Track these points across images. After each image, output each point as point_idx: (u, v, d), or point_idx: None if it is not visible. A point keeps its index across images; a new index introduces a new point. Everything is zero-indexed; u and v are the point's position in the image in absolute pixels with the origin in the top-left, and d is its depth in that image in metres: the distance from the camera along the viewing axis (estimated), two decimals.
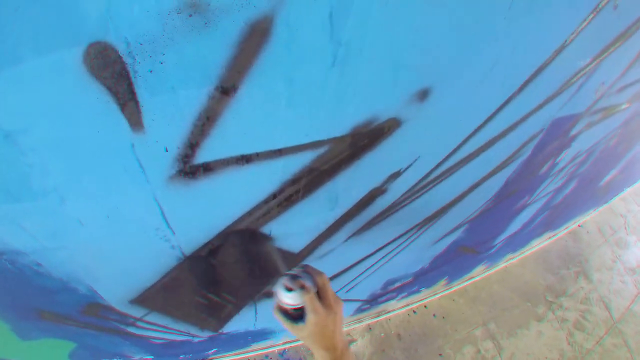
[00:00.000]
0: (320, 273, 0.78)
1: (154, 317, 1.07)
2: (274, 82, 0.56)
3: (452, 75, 0.77)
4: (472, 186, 1.27)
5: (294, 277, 0.75)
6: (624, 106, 1.62)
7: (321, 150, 0.75)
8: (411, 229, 1.34)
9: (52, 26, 0.38)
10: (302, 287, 0.73)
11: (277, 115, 0.61)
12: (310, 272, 0.77)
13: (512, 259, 2.73)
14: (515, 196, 1.63)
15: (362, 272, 1.50)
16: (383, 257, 1.45)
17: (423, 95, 0.77)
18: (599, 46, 1.04)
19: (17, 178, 0.52)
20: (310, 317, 0.73)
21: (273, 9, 0.46)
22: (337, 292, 1.52)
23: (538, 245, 2.87)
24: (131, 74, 0.45)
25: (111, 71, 0.44)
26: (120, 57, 0.43)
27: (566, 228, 3.01)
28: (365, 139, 0.80)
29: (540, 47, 0.87)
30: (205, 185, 0.66)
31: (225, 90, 0.53)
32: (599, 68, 1.12)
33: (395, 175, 0.98)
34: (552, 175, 1.70)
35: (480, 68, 0.80)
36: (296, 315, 0.76)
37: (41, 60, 0.40)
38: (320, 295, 0.75)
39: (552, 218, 2.45)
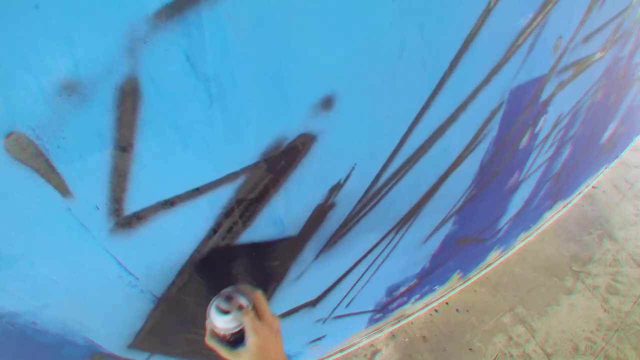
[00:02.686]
0: (253, 290, 0.75)
1: (158, 359, 1.07)
2: (162, 132, 0.57)
3: (351, 75, 0.69)
4: (441, 178, 1.15)
5: (228, 298, 0.71)
6: (597, 56, 1.47)
7: (240, 181, 0.73)
8: (387, 234, 1.24)
9: None
10: (239, 308, 0.70)
11: (179, 159, 0.62)
12: (243, 290, 0.74)
13: (528, 237, 2.57)
14: (501, 176, 1.49)
15: (354, 285, 1.41)
16: (369, 266, 1.36)
17: (327, 104, 0.70)
18: None
19: None
20: (251, 339, 0.69)
21: (133, 69, 0.49)
22: (334, 308, 1.47)
23: (553, 217, 2.70)
24: (44, 152, 0.51)
25: (28, 153, 0.50)
26: (31, 141, 0.49)
27: (579, 193, 2.83)
28: (281, 160, 0.74)
29: (457, 17, 0.77)
30: (144, 231, 0.68)
31: (123, 148, 0.56)
32: (547, 22, 1.00)
33: (337, 187, 0.89)
34: (538, 146, 1.56)
35: (384, 59, 0.71)
36: (233, 340, 0.72)
37: None
38: (257, 313, 0.72)
39: (558, 187, 2.28)
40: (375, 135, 0.84)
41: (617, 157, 3.11)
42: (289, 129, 0.70)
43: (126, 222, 0.66)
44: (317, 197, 0.88)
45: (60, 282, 0.69)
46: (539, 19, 0.97)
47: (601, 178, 3.10)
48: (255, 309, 0.72)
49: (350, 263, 1.25)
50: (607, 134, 2.39)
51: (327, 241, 1.05)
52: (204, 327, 0.80)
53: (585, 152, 2.24)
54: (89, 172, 0.56)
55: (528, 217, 2.28)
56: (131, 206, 0.64)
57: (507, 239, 2.27)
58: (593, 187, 3.04)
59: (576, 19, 1.16)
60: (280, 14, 0.55)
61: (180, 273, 0.82)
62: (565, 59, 1.26)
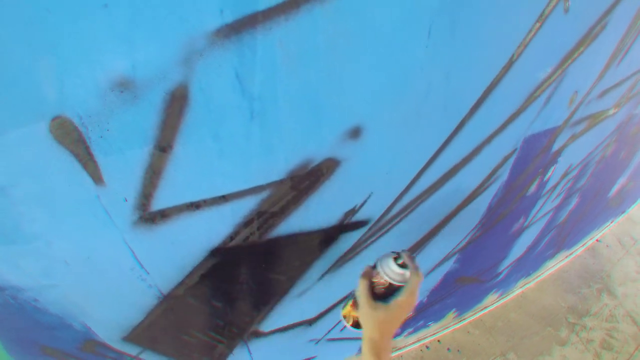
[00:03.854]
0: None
1: (149, 356, 1.08)
2: (202, 139, 0.63)
3: (379, 110, 0.77)
4: (449, 215, 1.20)
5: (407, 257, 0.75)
6: (611, 111, 1.54)
7: (264, 195, 0.79)
8: None
9: (24, 105, 0.50)
10: (415, 268, 0.74)
11: (213, 166, 0.68)
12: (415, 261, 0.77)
13: (527, 284, 2.60)
14: (507, 220, 1.54)
15: None
16: None
17: (355, 133, 0.77)
18: (559, 54, 1.00)
19: (12, 224, 0.62)
20: (403, 298, 0.73)
21: (186, 78, 0.55)
22: (329, 331, 1.50)
23: (554, 266, 2.74)
24: (86, 140, 0.56)
25: (71, 138, 0.55)
26: (76, 127, 0.54)
27: (583, 245, 2.87)
28: (305, 181, 0.80)
29: (481, 66, 0.84)
30: (165, 229, 0.73)
31: (162, 148, 0.62)
32: (565, 76, 1.07)
33: (351, 212, 0.95)
34: (545, 194, 1.62)
35: (411, 99, 0.78)
36: (380, 294, 0.76)
37: (19, 132, 0.52)
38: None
39: (561, 237, 2.33)
40: (394, 168, 0.90)
41: (623, 212, 3.16)
42: (317, 153, 0.76)
43: (150, 217, 0.71)
44: (331, 218, 0.93)
45: (72, 265, 0.73)
46: (557, 72, 1.04)
47: (606, 232, 3.14)
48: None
49: (351, 288, 1.29)
50: (615, 189, 2.44)
51: (333, 263, 1.09)
52: (201, 331, 0.83)
53: (592, 204, 2.30)
54: (125, 166, 0.62)
55: (529, 263, 2.31)
56: (158, 203, 0.70)
57: (506, 284, 2.30)
58: (597, 240, 3.08)
59: (593, 75, 1.23)
60: (325, 48, 0.62)
61: (191, 274, 0.86)
62: (579, 112, 1.33)
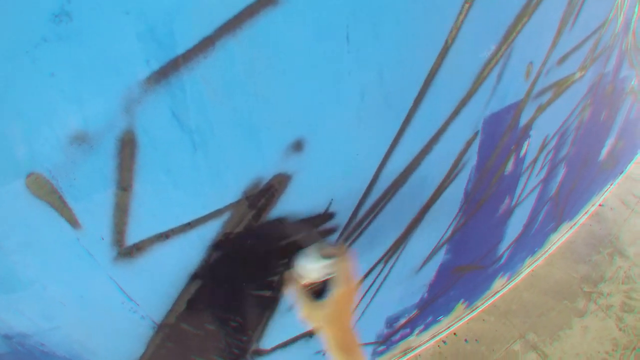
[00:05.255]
0: (342, 246, 0.80)
1: None
2: (156, 175, 0.70)
3: (316, 121, 0.81)
4: (424, 207, 1.22)
5: (323, 247, 0.76)
6: (577, 75, 1.55)
7: (225, 217, 0.84)
8: (375, 264, 1.31)
9: (3, 167, 0.58)
10: (341, 254, 0.74)
11: (171, 198, 0.75)
12: (337, 245, 0.80)
13: (535, 262, 2.60)
14: (491, 202, 1.56)
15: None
16: (362, 296, 1.41)
17: (297, 146, 0.82)
18: (500, 30, 1.02)
19: (9, 272, 0.68)
20: (342, 288, 0.73)
21: (130, 124, 0.63)
22: None
23: (560, 239, 2.74)
24: (58, 189, 0.63)
25: (45, 190, 0.62)
26: (48, 180, 0.62)
27: (586, 213, 2.86)
28: (261, 198, 0.85)
29: (414, 58, 0.88)
30: (143, 261, 0.79)
31: (124, 188, 0.68)
32: (513, 50, 1.08)
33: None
34: (526, 170, 1.62)
35: (347, 104, 0.83)
36: (317, 291, 0.77)
37: (3, 189, 0.59)
38: None
39: (559, 209, 2.34)
40: (348, 172, 0.94)
41: (621, 172, 3.17)
42: (265, 170, 0.81)
43: (127, 252, 0.77)
44: (299, 230, 0.96)
45: (68, 306, 0.78)
46: (503, 48, 1.06)
47: (607, 195, 3.14)
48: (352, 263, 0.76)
49: None
50: (605, 151, 2.45)
51: None
52: (202, 355, 0.85)
53: (584, 171, 2.31)
54: (95, 208, 0.68)
55: (531, 241, 2.32)
56: (131, 238, 0.76)
57: (511, 265, 2.31)
58: (600, 205, 3.08)
59: (546, 44, 1.26)
60: (247, 75, 0.68)
61: (177, 301, 0.90)
62: (540, 82, 1.35)
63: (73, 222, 0.68)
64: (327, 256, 0.75)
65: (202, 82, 0.65)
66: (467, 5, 0.89)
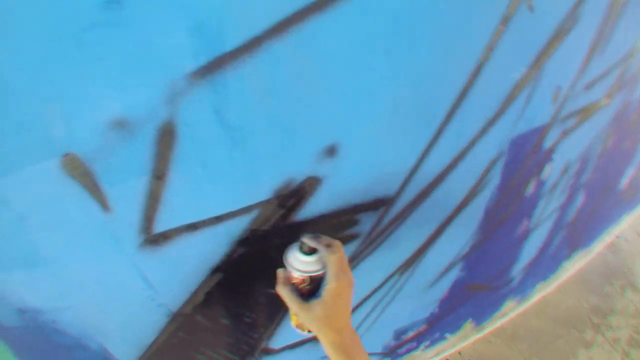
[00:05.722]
0: (336, 240, 0.76)
1: None
2: (192, 167, 0.73)
3: (350, 127, 0.84)
4: (444, 223, 1.24)
5: (313, 238, 0.73)
6: (604, 102, 1.57)
7: (254, 214, 0.87)
8: (392, 275, 1.34)
9: (38, 145, 0.60)
10: (328, 246, 0.71)
11: (204, 191, 0.77)
12: (325, 237, 0.75)
13: (546, 287, 2.60)
14: (509, 223, 1.58)
15: (360, 324, 1.49)
16: (374, 306, 1.44)
17: (331, 151, 0.85)
18: (532, 53, 1.04)
19: (30, 249, 0.69)
20: (331, 285, 0.70)
21: (172, 115, 0.65)
22: None
23: (573, 267, 2.72)
24: (92, 172, 0.65)
25: (79, 172, 0.64)
26: (83, 162, 0.63)
27: (601, 242, 2.86)
28: (290, 199, 0.88)
29: (448, 75, 0.91)
30: (168, 250, 0.81)
31: (159, 176, 0.71)
32: (543, 74, 1.11)
33: None
34: (546, 193, 1.64)
35: (381, 113, 0.86)
36: (307, 292, 0.74)
37: (34, 168, 0.61)
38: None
39: (575, 236, 2.34)
40: (377, 180, 0.97)
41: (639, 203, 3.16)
42: (298, 172, 0.85)
43: (154, 239, 0.79)
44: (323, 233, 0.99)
45: (86, 287, 0.79)
46: (533, 71, 1.09)
47: (625, 227, 3.13)
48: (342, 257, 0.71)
49: (355, 301, 1.34)
50: (625, 180, 2.45)
51: None
52: (212, 349, 0.90)
53: (603, 199, 2.31)
54: (127, 193, 0.71)
55: (544, 266, 2.33)
56: (160, 226, 0.78)
57: (522, 289, 2.31)
58: (617, 236, 3.07)
59: (574, 69, 1.28)
60: (289, 77, 0.71)
61: (196, 292, 0.93)
62: (567, 107, 1.37)
63: (104, 205, 0.70)
64: (311, 251, 0.72)
65: (246, 80, 0.68)
66: (501, 27, 0.92)
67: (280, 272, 0.77)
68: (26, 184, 0.63)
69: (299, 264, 0.73)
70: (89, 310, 0.85)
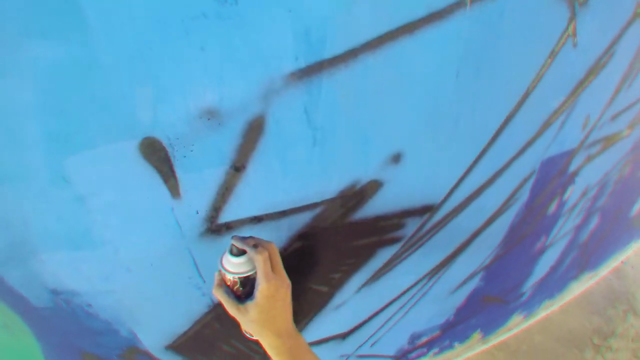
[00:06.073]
0: (268, 242, 0.73)
1: None
2: (271, 161, 0.78)
3: (417, 138, 0.92)
4: (474, 234, 1.33)
5: (242, 240, 0.71)
6: (625, 132, 1.67)
7: (317, 211, 0.93)
8: (421, 279, 1.41)
9: (118, 124, 0.62)
10: (254, 248, 0.69)
11: (277, 185, 0.82)
12: (257, 239, 0.73)
13: (551, 305, 2.68)
14: (529, 239, 1.67)
15: (383, 325, 1.56)
16: (400, 308, 1.51)
17: (396, 159, 0.93)
18: (571, 84, 1.14)
19: (82, 230, 0.71)
20: (262, 286, 0.66)
21: (263, 110, 0.70)
22: (360, 346, 1.58)
23: (579, 288, 2.81)
24: (171, 158, 0.68)
25: (157, 156, 0.66)
26: (163, 147, 0.66)
27: (607, 266, 2.94)
28: (352, 199, 0.95)
29: (501, 99, 1.00)
30: (228, 240, 0.80)
31: (237, 168, 0.75)
32: (578, 103, 1.21)
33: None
34: (565, 213, 1.74)
35: (444, 129, 0.94)
36: (241, 294, 0.71)
37: (109, 147, 0.63)
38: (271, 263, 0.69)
39: (585, 258, 2.43)
40: (428, 189, 1.06)
41: None
42: (364, 175, 0.92)
43: (217, 229, 0.83)
44: (373, 234, 1.08)
45: (134, 272, 0.82)
46: (570, 100, 1.19)
47: (631, 254, 3.21)
48: (270, 258, 0.69)
49: (385, 302, 1.42)
50: (636, 208, 2.55)
51: (370, 277, 1.23)
52: (240, 341, 0.95)
53: (614, 224, 2.40)
54: (202, 182, 0.75)
55: (553, 284, 2.41)
56: (226, 216, 0.82)
57: (530, 305, 2.40)
58: (622, 262, 3.15)
59: (604, 100, 1.38)
60: (373, 89, 0.79)
61: None
62: (593, 135, 1.47)
63: (174, 192, 0.73)
64: (240, 253, 0.70)
65: (339, 87, 0.75)
66: (549, 60, 1.02)
67: (215, 274, 0.74)
68: (95, 163, 0.65)
69: (228, 265, 0.71)
70: (131, 295, 0.87)
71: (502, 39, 0.89)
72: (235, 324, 1.03)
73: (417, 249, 1.23)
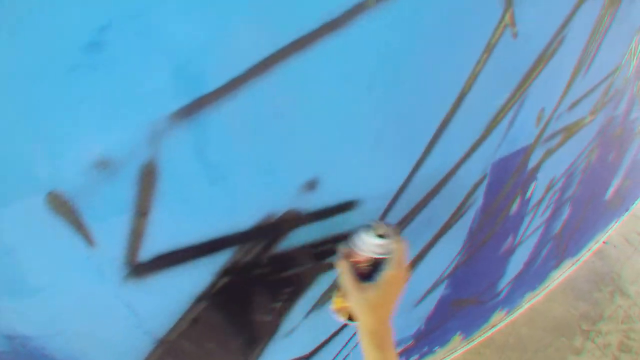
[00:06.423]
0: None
1: None
2: (173, 204, 0.74)
3: (332, 161, 0.86)
4: (427, 245, 1.26)
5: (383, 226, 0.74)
6: (587, 119, 1.59)
7: (235, 247, 0.89)
8: None
9: (25, 182, 0.62)
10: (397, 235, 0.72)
11: (187, 226, 0.79)
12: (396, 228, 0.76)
13: (535, 297, 2.62)
14: (494, 241, 1.60)
15: (349, 341, 1.48)
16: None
17: (311, 185, 0.86)
18: (515, 78, 1.06)
19: (18, 279, 0.71)
20: (390, 272, 0.69)
21: (153, 155, 0.67)
22: None
23: (561, 275, 2.75)
24: (77, 209, 0.67)
25: (64, 208, 0.66)
26: (67, 200, 0.65)
27: (589, 250, 2.89)
28: (271, 231, 0.90)
29: (431, 105, 0.92)
30: (152, 281, 0.82)
31: (141, 213, 0.72)
32: (527, 97, 1.12)
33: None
34: (530, 211, 1.66)
35: (365, 146, 0.88)
36: (365, 273, 0.74)
37: (22, 203, 0.63)
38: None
39: (562, 247, 2.37)
40: (357, 210, 0.97)
41: (627, 210, 3.20)
42: (278, 206, 0.86)
43: (137, 272, 0.80)
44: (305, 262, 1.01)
45: (73, 315, 0.81)
46: (517, 96, 1.10)
47: (612, 233, 3.16)
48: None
49: (339, 324, 1.34)
50: (610, 191, 2.49)
51: (316, 302, 1.16)
52: None
53: (589, 210, 2.34)
54: (111, 229, 0.72)
55: (532, 278, 2.36)
56: (143, 259, 0.79)
57: (510, 300, 2.34)
58: (604, 242, 3.10)
59: (558, 90, 1.30)
60: (270, 116, 0.73)
61: (181, 319, 0.94)
62: (550, 127, 1.39)
63: (88, 241, 0.71)
64: (383, 235, 0.72)
65: (227, 120, 0.69)
66: (485, 55, 0.92)
67: (344, 248, 0.77)
68: (14, 218, 0.65)
69: (367, 243, 0.73)
70: (77, 337, 0.86)
71: (421, 40, 0.82)
72: (189, 356, 1.01)
73: None
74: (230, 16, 0.63)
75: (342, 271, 0.75)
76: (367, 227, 0.75)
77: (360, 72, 0.77)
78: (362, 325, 0.73)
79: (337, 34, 0.71)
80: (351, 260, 0.75)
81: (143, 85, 0.62)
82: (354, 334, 1.44)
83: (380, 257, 0.72)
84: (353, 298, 0.73)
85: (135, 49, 0.59)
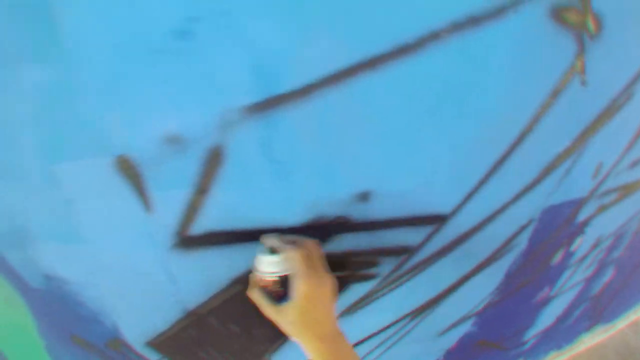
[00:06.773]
0: (308, 239, 0.75)
1: None
2: (232, 188, 0.80)
3: (387, 179, 0.89)
4: (462, 278, 1.26)
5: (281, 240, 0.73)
6: None
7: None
8: (401, 318, 1.36)
9: (97, 142, 0.69)
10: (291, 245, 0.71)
11: (240, 209, 0.84)
12: (294, 237, 0.74)
13: (559, 356, 2.53)
14: (530, 288, 1.57)
15: (372, 350, 1.49)
16: (379, 345, 1.45)
17: (364, 197, 0.89)
18: (578, 127, 1.05)
19: (70, 228, 0.78)
20: (300, 287, 0.65)
21: (221, 140, 0.73)
22: None
23: (591, 340, 2.65)
24: (142, 176, 0.73)
25: (130, 173, 0.72)
26: (135, 165, 0.72)
27: (625, 319, 2.77)
28: (317, 233, 0.93)
29: (489, 141, 0.94)
30: (197, 254, 0.88)
31: (201, 191, 0.78)
32: (587, 148, 1.11)
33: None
34: (573, 264, 1.63)
35: (418, 173, 0.91)
36: (278, 295, 0.71)
37: (90, 160, 0.70)
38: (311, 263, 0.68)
39: (598, 310, 2.29)
40: (402, 231, 1.00)
41: None
42: (328, 211, 0.90)
43: (186, 243, 0.86)
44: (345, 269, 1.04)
45: (114, 272, 0.88)
46: (577, 145, 1.10)
47: None
48: (309, 255, 0.67)
49: (362, 336, 1.36)
50: None
51: (343, 310, 1.18)
52: (218, 351, 0.99)
53: (633, 277, 2.26)
54: (170, 200, 0.79)
55: (561, 335, 2.28)
56: (193, 231, 0.85)
57: (534, 354, 2.27)
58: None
59: (620, 147, 1.27)
60: (336, 125, 0.78)
61: (215, 296, 0.99)
62: (608, 183, 1.37)
63: (147, 206, 0.78)
64: (275, 250, 0.70)
65: (295, 123, 0.75)
66: (550, 100, 0.93)
67: (251, 276, 0.75)
68: (79, 172, 0.72)
69: (263, 265, 0.70)
70: (111, 291, 0.93)
71: (489, 75, 0.83)
72: (212, 332, 1.06)
73: (394, 288, 1.16)
74: (312, 27, 0.68)
75: (255, 300, 0.72)
76: (262, 247, 0.73)
77: (425, 97, 0.80)
78: (305, 348, 0.68)
79: (408, 58, 0.74)
80: (260, 285, 0.73)
81: (222, 76, 0.67)
82: (382, 342, 1.46)
83: (283, 274, 0.69)
84: (281, 323, 0.69)
85: (220, 42, 0.64)
